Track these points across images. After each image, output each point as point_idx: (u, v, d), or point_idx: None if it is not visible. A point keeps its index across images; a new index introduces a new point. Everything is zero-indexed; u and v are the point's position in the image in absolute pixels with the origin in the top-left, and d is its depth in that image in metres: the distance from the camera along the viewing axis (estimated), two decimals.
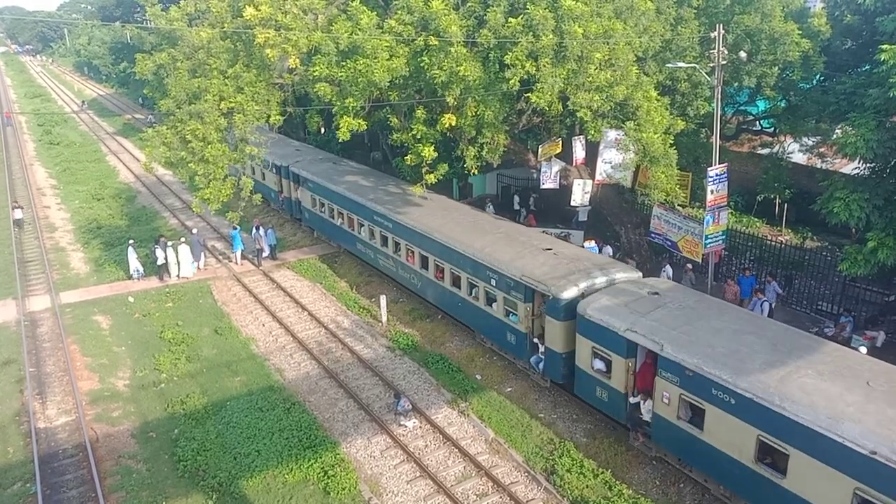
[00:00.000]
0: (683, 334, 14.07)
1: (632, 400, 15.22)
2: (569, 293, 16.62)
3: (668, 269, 22.19)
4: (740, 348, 13.37)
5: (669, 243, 21.47)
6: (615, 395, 15.50)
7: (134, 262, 26.43)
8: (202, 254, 28.01)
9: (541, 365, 18.01)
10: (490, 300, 19.35)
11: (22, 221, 33.78)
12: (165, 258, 26.31)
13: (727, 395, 12.71)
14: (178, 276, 26.66)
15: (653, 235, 22.16)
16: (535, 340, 18.16)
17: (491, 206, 28.75)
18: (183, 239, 27.70)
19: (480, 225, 21.53)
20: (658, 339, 14.13)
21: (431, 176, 21.34)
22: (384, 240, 24.32)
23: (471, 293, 20.15)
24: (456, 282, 20.75)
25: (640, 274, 18.09)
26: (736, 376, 12.65)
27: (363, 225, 25.61)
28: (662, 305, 15.31)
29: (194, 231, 29.81)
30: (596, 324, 15.44)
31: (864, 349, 16.15)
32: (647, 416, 14.94)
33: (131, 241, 27.41)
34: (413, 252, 22.63)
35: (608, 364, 15.54)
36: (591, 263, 17.93)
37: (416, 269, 22.64)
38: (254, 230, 28.60)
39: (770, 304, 19.71)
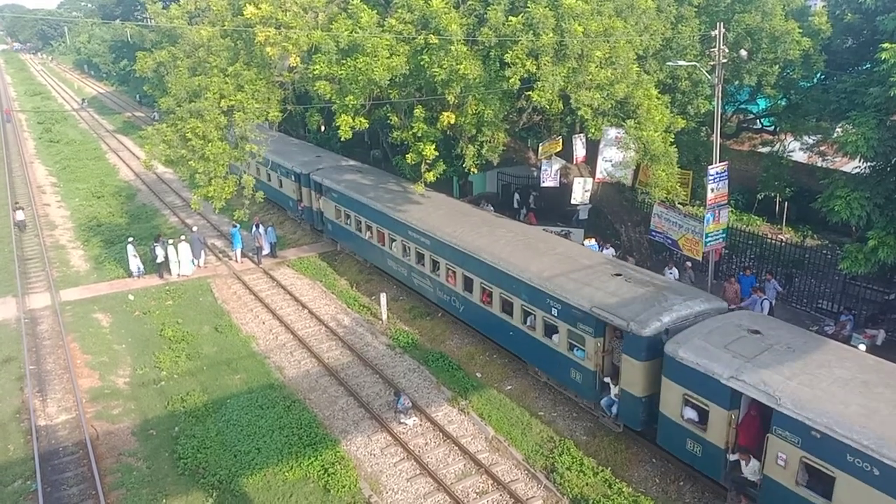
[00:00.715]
0: (804, 385, 12.03)
1: (731, 457, 13.22)
2: (651, 329, 14.44)
3: (675, 272, 21.59)
4: (879, 406, 11.33)
5: (670, 241, 21.46)
6: (712, 450, 13.40)
7: (133, 260, 26.44)
8: (202, 251, 28.02)
9: (613, 408, 15.88)
10: (550, 331, 17.28)
11: (24, 223, 33.38)
12: (165, 256, 26.32)
13: (868, 465, 10.79)
14: (178, 274, 26.67)
15: (653, 234, 22.16)
16: (606, 380, 16.01)
17: (490, 207, 28.62)
18: (183, 237, 27.71)
19: (534, 244, 19.39)
20: (773, 390, 12.12)
21: (430, 174, 21.32)
22: (420, 257, 22.48)
23: (525, 322, 18.11)
24: (507, 308, 18.68)
25: (725, 304, 16.07)
26: (881, 443, 10.67)
27: (395, 240, 23.77)
28: (768, 348, 13.22)
29: (194, 229, 29.82)
30: (690, 368, 13.39)
31: (863, 347, 16.18)
32: (752, 477, 13.01)
33: (131, 239, 27.42)
34: (455, 272, 20.70)
35: (704, 415, 13.47)
36: (669, 292, 15.78)
37: (458, 292, 20.71)
38: (254, 228, 28.60)
39: (770, 303, 19.72)
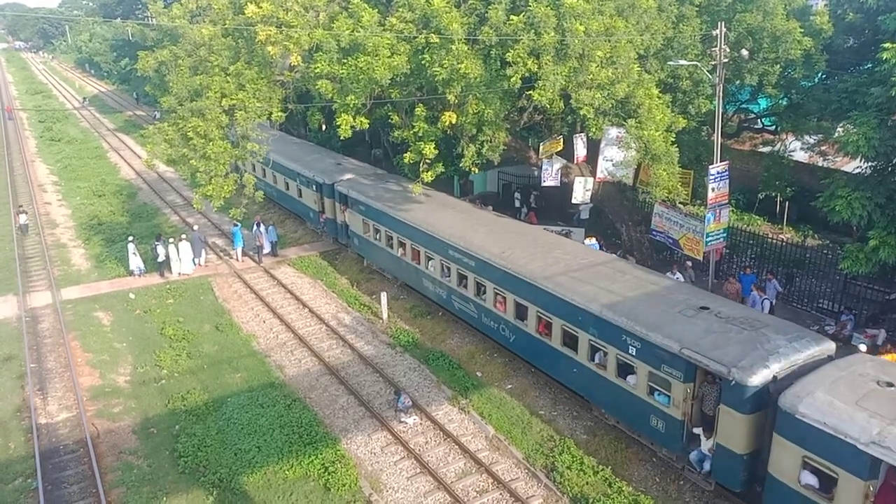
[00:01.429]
0: None
1: None
2: (759, 377, 12.53)
3: (679, 276, 21.02)
4: None
5: (671, 241, 21.47)
6: None
7: (134, 259, 26.44)
8: (203, 250, 28.03)
9: (705, 464, 13.95)
10: (624, 371, 15.26)
11: (27, 227, 32.44)
12: (166, 255, 26.34)
13: None
14: (179, 272, 26.69)
15: (654, 233, 22.16)
16: (696, 431, 14.01)
17: (488, 207, 28.43)
18: (184, 236, 27.73)
19: (600, 269, 17.31)
20: None
21: (429, 173, 21.33)
22: (462, 279, 20.55)
23: (593, 358, 16.10)
24: (570, 342, 16.66)
25: (833, 345, 13.90)
26: None
27: (432, 259, 21.80)
28: None
29: (195, 227, 29.80)
30: (814, 427, 11.43)
31: (863, 347, 16.17)
32: None
33: (131, 238, 27.42)
34: (505, 298, 18.73)
35: (830, 482, 11.50)
36: (770, 330, 13.71)
37: (509, 320, 18.68)
38: (255, 227, 28.60)
39: (770, 303, 19.72)
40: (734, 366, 12.77)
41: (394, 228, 23.76)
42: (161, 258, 26.35)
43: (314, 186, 29.34)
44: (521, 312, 18.30)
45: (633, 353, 14.77)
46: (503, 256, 18.79)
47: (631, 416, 15.59)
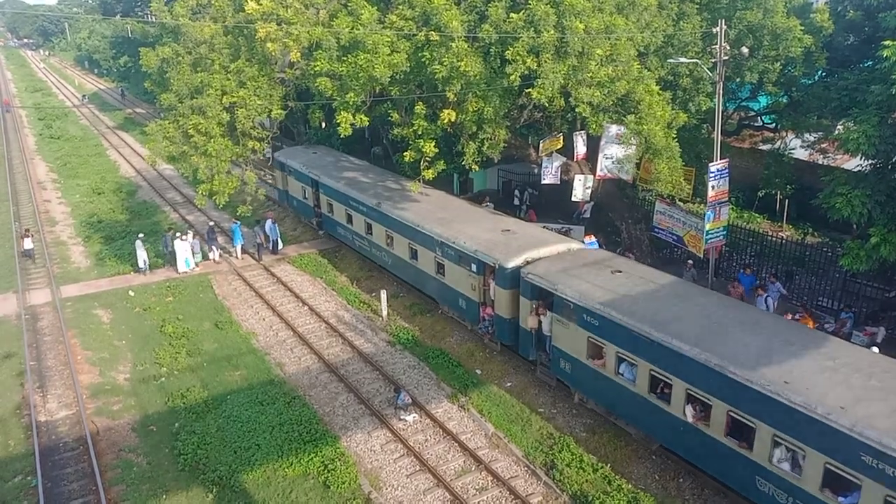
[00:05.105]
0: None
1: None
2: None
3: (690, 271, 20.89)
4: None
5: (675, 238, 21.45)
6: None
7: (141, 255, 26.32)
8: (201, 247, 27.85)
9: None
10: None
11: (33, 252, 29.10)
12: (172, 249, 26.44)
13: None
14: (177, 270, 26.66)
15: (656, 230, 22.14)
16: None
17: (490, 204, 28.32)
18: (179, 234, 27.62)
19: None
20: None
21: (429, 171, 21.30)
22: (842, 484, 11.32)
23: None
24: None
25: None
26: None
27: (790, 448, 11.99)
28: None
29: (211, 223, 29.26)
30: None
31: (860, 344, 16.18)
32: None
33: (141, 236, 27.22)
34: None
35: None
36: None
37: None
38: (264, 224, 28.31)
39: (773, 301, 19.71)
40: None
41: (676, 370, 13.88)
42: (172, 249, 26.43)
43: (473, 266, 19.61)
44: None
45: None
46: None
47: None
